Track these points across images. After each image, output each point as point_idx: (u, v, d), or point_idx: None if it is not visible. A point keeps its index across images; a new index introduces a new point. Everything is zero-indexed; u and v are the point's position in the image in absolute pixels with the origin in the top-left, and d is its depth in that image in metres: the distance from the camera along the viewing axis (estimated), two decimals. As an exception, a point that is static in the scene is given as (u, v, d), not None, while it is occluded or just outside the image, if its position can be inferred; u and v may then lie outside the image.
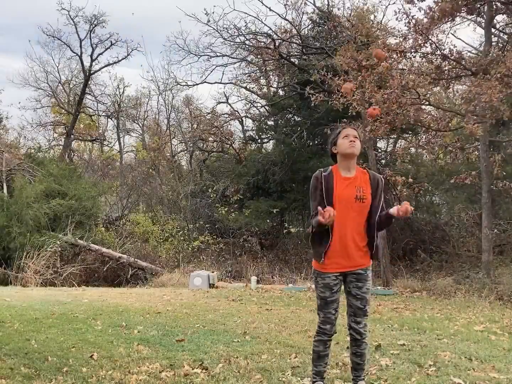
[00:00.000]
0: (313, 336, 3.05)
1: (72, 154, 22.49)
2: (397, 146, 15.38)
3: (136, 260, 12.29)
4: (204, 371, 3.49)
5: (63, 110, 22.63)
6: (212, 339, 4.49)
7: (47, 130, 23.63)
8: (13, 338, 4.42)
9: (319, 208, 2.72)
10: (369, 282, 2.97)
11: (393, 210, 2.84)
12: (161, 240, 14.64)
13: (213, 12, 14.39)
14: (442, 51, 8.62)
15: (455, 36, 16.88)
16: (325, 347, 2.95)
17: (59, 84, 22.71)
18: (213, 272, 10.05)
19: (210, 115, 18.96)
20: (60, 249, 11.45)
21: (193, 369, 3.51)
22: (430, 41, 8.52)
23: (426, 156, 14.33)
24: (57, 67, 22.21)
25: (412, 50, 8.76)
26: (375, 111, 3.23)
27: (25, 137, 22.51)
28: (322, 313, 2.93)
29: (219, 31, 14.51)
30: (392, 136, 14.80)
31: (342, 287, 3.01)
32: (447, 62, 8.83)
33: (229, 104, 18.98)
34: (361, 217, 2.91)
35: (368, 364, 3.65)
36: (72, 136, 20.83)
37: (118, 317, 5.64)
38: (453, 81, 9.28)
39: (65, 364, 3.61)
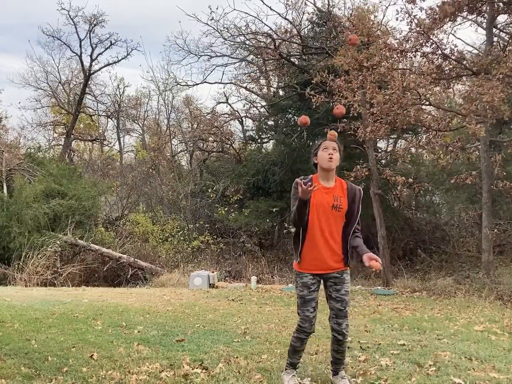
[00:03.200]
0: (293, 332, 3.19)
1: (72, 154, 22.49)
2: (397, 146, 15.39)
3: (136, 260, 12.29)
4: (204, 371, 3.48)
5: (63, 110, 22.65)
6: (212, 339, 4.49)
7: (47, 130, 23.71)
8: (13, 338, 4.41)
9: (298, 181, 2.91)
10: (347, 284, 3.11)
11: (365, 257, 2.92)
12: (161, 240, 14.64)
13: (213, 12, 14.33)
14: (443, 51, 8.62)
15: (455, 36, 16.91)
16: (302, 344, 3.16)
17: (59, 84, 22.75)
18: (213, 272, 10.04)
19: (210, 115, 18.97)
20: (60, 249, 11.44)
21: (193, 369, 3.50)
22: (431, 40, 8.51)
23: (426, 156, 14.34)
24: (57, 67, 22.28)
25: (413, 50, 8.75)
26: (339, 110, 3.30)
27: (25, 137, 22.53)
28: (301, 311, 3.09)
29: (219, 31, 14.54)
30: (392, 136, 14.80)
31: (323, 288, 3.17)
32: (448, 61, 8.82)
33: (229, 104, 19.03)
34: (337, 224, 3.07)
35: (368, 364, 3.65)
36: (72, 136, 20.85)
37: (118, 317, 5.64)
38: (453, 81, 9.27)
39: (65, 364, 3.61)
